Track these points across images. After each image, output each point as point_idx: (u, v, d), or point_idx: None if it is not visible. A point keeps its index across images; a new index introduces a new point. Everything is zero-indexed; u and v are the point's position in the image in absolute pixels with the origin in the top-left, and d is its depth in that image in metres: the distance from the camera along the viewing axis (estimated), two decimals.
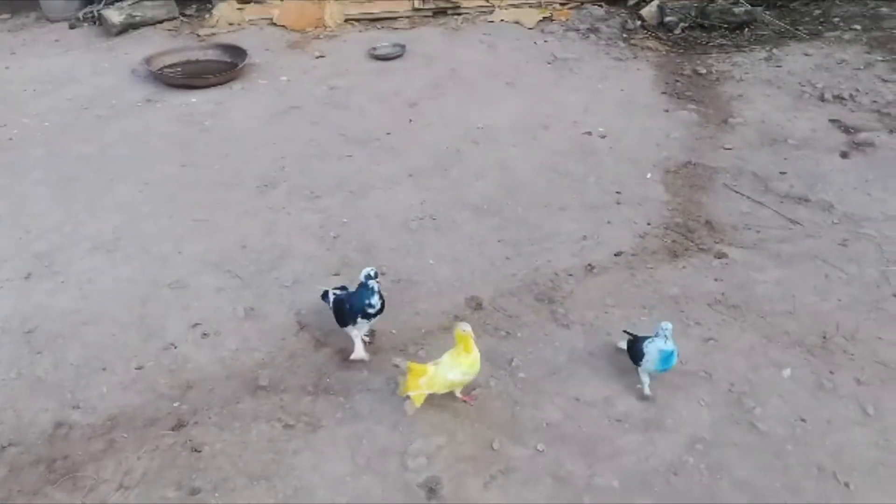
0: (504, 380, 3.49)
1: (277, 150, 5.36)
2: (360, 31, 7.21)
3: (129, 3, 7.04)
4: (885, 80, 6.23)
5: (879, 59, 6.54)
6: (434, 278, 4.15)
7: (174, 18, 7.26)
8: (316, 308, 3.85)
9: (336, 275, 4.14)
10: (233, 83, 6.22)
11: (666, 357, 3.24)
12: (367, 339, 3.67)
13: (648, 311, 3.87)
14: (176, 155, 5.34)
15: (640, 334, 3.43)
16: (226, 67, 6.35)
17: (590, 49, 7.00)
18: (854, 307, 3.87)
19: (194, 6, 7.43)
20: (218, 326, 3.82)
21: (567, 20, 7.45)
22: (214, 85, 6.12)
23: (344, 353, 3.60)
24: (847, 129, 5.64)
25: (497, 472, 3.05)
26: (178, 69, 6.37)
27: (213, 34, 6.99)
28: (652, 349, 3.25)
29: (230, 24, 7.11)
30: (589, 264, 4.26)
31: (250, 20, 7.17)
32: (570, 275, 4.19)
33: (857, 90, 6.11)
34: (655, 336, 3.26)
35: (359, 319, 3.50)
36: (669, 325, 3.23)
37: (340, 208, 4.75)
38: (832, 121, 5.75)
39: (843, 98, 6.06)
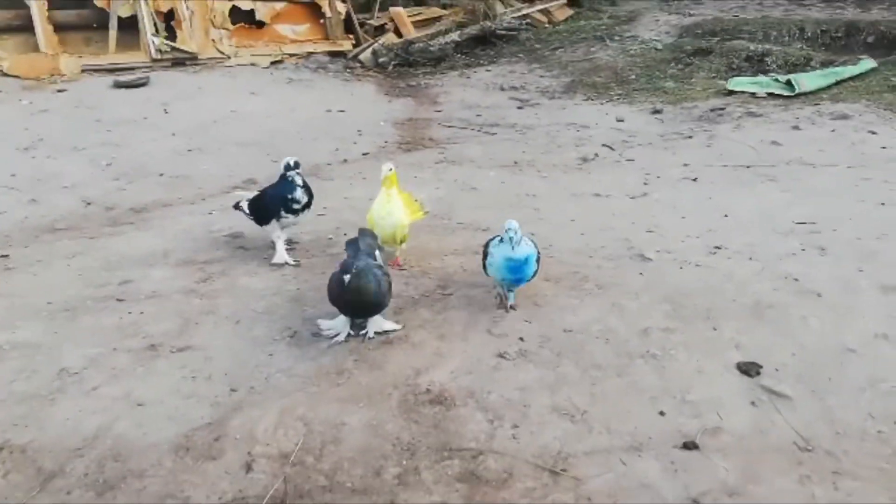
0: None
1: (34, 132, 6.10)
2: (100, 77, 8.30)
3: None
4: (541, 77, 9.27)
5: (537, 67, 9.69)
6: (218, 172, 5.42)
7: None
8: None
9: None
10: None
11: (514, 267, 3.07)
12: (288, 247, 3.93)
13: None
14: None
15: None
16: None
17: (320, 76, 9.10)
18: (531, 152, 5.98)
19: None
20: None
21: (297, 63, 9.49)
22: None
23: None
24: (520, 102, 8.29)
25: None
26: None
27: None
28: (497, 254, 3.09)
29: None
30: (343, 159, 5.85)
31: None
32: (329, 164, 5.72)
33: (525, 84, 9.01)
34: (500, 240, 3.05)
35: (282, 214, 3.72)
36: (514, 224, 2.98)
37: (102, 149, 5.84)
38: (510, 98, 8.40)
39: (515, 87, 8.86)
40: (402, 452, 2.35)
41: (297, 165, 3.72)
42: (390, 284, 3.06)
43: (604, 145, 6.35)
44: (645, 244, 3.99)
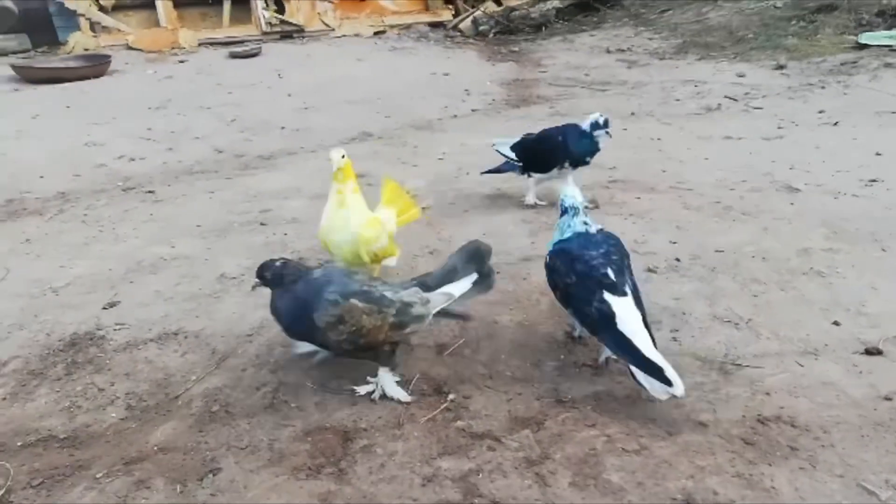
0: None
1: (163, 95, 6.49)
2: (215, 50, 8.74)
3: None
4: (650, 40, 9.00)
5: (644, 30, 9.42)
6: (335, 126, 5.59)
7: (27, 50, 8.28)
8: None
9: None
10: (103, 77, 7.30)
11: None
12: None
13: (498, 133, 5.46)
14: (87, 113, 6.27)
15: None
16: (91, 65, 7.44)
17: (422, 45, 9.21)
18: (647, 105, 5.81)
19: (46, 44, 8.53)
20: None
21: (398, 34, 9.64)
22: (83, 78, 7.15)
23: None
24: (628, 63, 8.07)
25: None
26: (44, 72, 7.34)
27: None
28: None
29: (86, 49, 8.29)
30: (454, 115, 5.89)
31: (106, 45, 8.41)
32: (440, 119, 5.78)
33: (632, 46, 8.77)
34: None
35: (564, 166, 3.46)
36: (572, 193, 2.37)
37: (225, 108, 6.09)
38: (618, 60, 8.20)
39: (622, 50, 8.65)
40: (559, 349, 2.34)
41: (606, 124, 3.34)
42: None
43: (726, 97, 6.09)
44: (791, 177, 3.79)
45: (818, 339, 2.32)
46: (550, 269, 2.27)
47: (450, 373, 2.24)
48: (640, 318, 2.04)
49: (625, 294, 2.06)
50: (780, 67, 7.17)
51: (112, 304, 2.71)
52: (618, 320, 2.02)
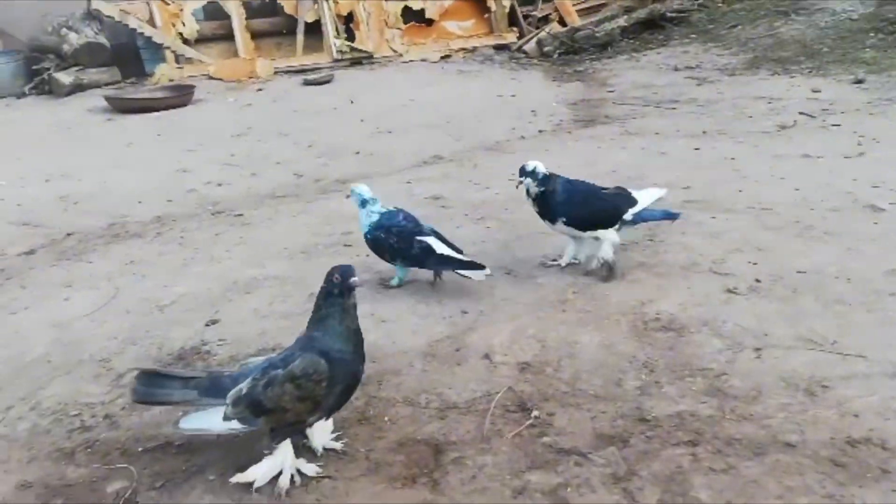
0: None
1: (244, 122, 6.87)
2: (290, 77, 9.16)
3: (77, 69, 8.63)
4: (719, 56, 8.91)
5: (713, 46, 9.33)
6: (407, 150, 5.79)
7: (118, 82, 8.90)
8: None
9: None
10: (188, 106, 7.78)
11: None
12: None
13: (567, 154, 5.53)
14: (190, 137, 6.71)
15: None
16: (177, 95, 7.94)
17: (488, 67, 9.39)
18: (719, 123, 5.79)
19: (134, 75, 9.15)
20: None
21: (464, 57, 9.86)
22: (170, 107, 7.63)
23: None
24: (698, 80, 8.02)
25: None
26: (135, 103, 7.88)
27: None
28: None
29: (171, 80, 8.83)
30: (521, 136, 6.01)
31: (189, 76, 8.94)
32: (508, 140, 5.90)
33: (701, 63, 8.71)
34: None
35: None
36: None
37: (302, 134, 6.36)
38: (687, 77, 8.16)
39: (691, 67, 8.60)
40: (640, 368, 2.40)
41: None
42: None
43: (801, 113, 5.98)
44: (874, 196, 3.73)
45: None
46: (374, 242, 3.15)
47: (533, 390, 2.34)
48: (445, 244, 3.05)
49: (429, 234, 3.08)
50: (859, 82, 6.99)
51: (213, 322, 2.92)
52: (434, 248, 3.01)
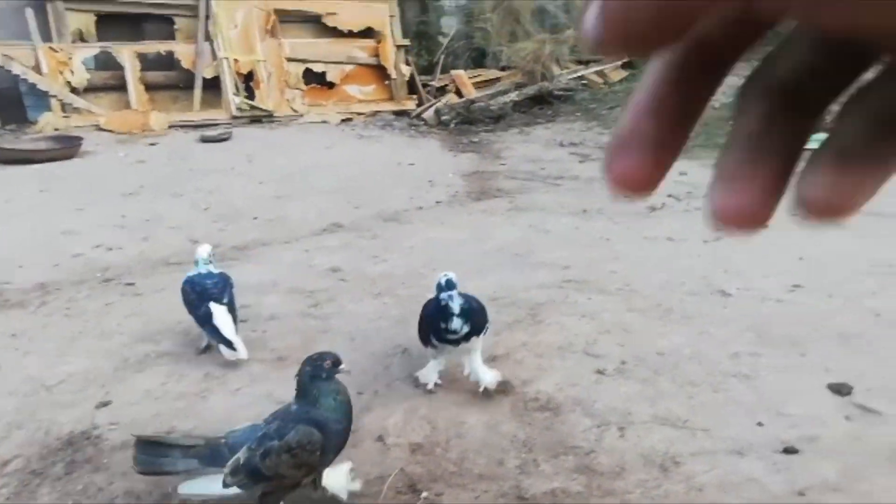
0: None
1: (136, 180, 6.74)
2: (186, 132, 9.08)
3: None
4: (600, 135, 9.74)
5: (595, 125, 10.19)
6: (307, 216, 5.89)
7: None
8: None
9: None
10: (74, 159, 7.52)
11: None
12: None
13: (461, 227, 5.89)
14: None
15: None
16: (63, 146, 7.66)
17: (388, 133, 9.75)
18: (598, 202, 6.34)
19: (15, 122, 8.74)
20: None
21: (364, 122, 10.18)
22: (54, 160, 7.36)
23: None
24: (581, 157, 8.73)
25: None
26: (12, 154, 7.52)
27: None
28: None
29: (56, 129, 8.51)
30: (419, 206, 6.29)
31: (76, 126, 8.66)
32: (406, 210, 6.16)
33: (584, 140, 9.49)
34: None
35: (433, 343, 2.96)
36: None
37: (198, 195, 6.27)
38: (571, 153, 8.86)
39: (575, 143, 9.34)
40: (521, 447, 2.64)
41: (449, 286, 2.82)
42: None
43: (669, 196, 6.69)
44: (724, 281, 4.26)
45: (745, 439, 2.68)
46: (183, 293, 3.46)
47: (423, 471, 2.51)
48: (231, 318, 3.31)
49: (222, 303, 3.33)
50: None
51: (104, 404, 2.90)
52: (214, 318, 3.27)
